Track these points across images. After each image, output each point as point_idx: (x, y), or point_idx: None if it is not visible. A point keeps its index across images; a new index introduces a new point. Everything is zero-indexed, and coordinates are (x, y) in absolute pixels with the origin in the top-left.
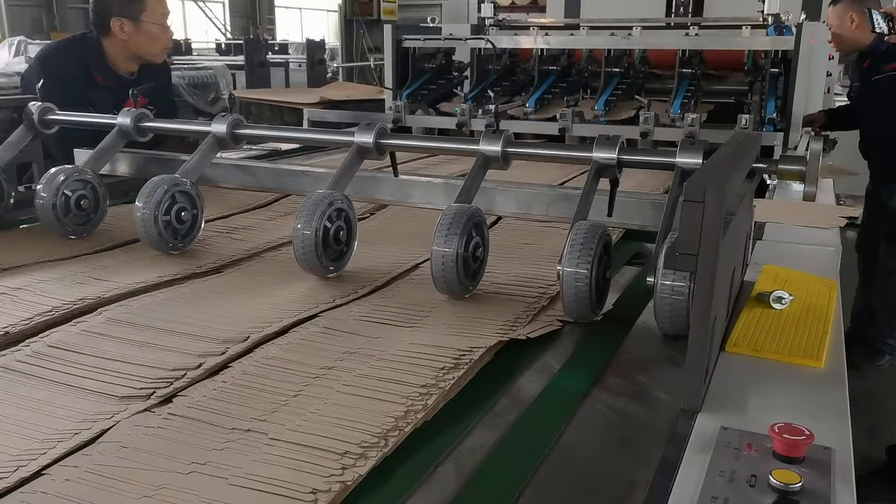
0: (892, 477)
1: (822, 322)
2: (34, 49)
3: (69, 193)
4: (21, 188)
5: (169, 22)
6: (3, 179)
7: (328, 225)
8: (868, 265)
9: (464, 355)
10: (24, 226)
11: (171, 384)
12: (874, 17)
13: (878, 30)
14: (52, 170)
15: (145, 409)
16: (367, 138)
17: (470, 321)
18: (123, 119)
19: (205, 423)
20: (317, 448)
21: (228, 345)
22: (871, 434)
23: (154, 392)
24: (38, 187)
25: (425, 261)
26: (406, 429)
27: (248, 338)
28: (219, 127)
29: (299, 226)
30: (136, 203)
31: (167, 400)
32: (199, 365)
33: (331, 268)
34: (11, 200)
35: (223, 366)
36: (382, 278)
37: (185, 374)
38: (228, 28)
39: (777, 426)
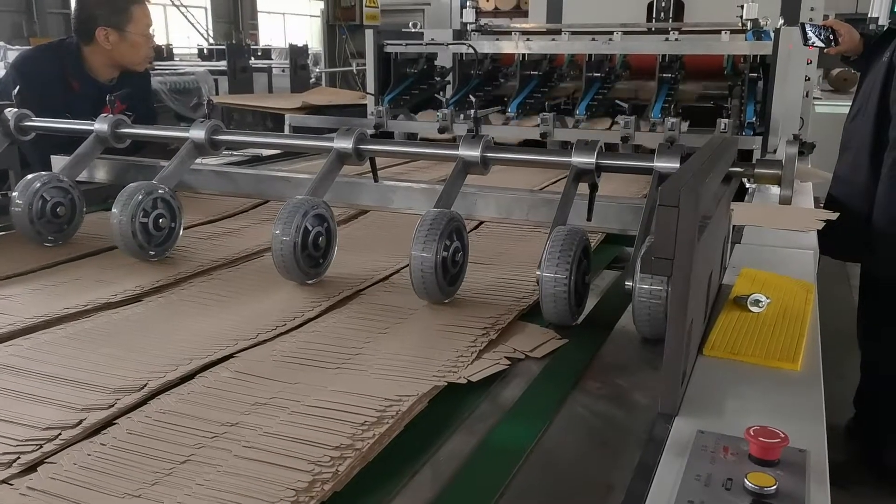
0: (860, 436)
1: (798, 325)
2: (14, 55)
3: (45, 200)
4: None
5: (152, 31)
6: None
7: (307, 230)
8: None
9: (391, 406)
10: (1, 233)
11: (41, 447)
12: (807, 31)
13: (810, 44)
14: (28, 176)
15: (2, 482)
16: (346, 144)
17: (407, 360)
18: (100, 125)
19: (66, 502)
20: None
21: (120, 395)
22: (852, 435)
23: (18, 458)
24: (14, 195)
25: (389, 275)
26: None
27: (144, 385)
28: (197, 133)
29: (278, 231)
30: (113, 210)
31: (32, 468)
32: (79, 422)
33: (310, 273)
34: None
35: (108, 422)
36: (331, 300)
37: (60, 433)
38: (211, 33)
39: (752, 429)
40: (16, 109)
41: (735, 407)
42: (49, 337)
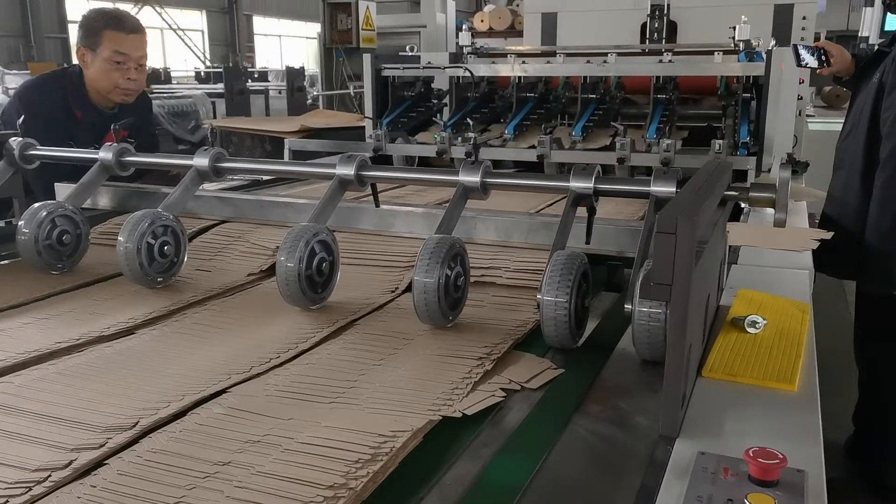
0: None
1: (795, 345)
2: (11, 79)
3: (51, 229)
4: (1, 223)
5: (149, 66)
6: None
7: (311, 257)
8: None
9: (385, 442)
10: (5, 262)
11: (30, 490)
12: (799, 52)
13: (803, 65)
14: (34, 205)
15: None
16: (348, 171)
17: (402, 393)
18: (105, 154)
19: None
20: None
21: (111, 434)
22: (850, 452)
23: (6, 502)
24: (20, 223)
25: (384, 304)
26: None
27: (136, 423)
28: (201, 161)
29: (283, 258)
30: (119, 238)
31: None
32: (69, 463)
33: (314, 299)
34: None
35: (99, 462)
36: (325, 330)
37: (50, 475)
38: (208, 56)
39: (752, 450)
40: (20, 138)
41: (734, 428)
42: (40, 373)
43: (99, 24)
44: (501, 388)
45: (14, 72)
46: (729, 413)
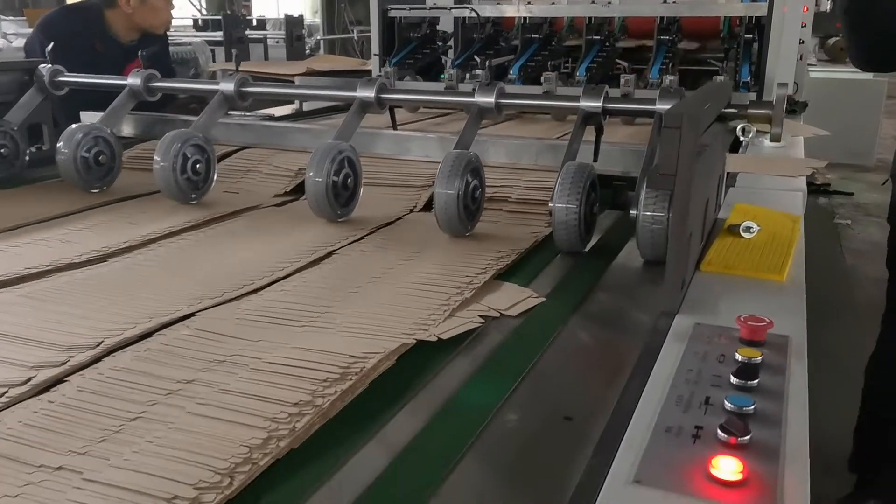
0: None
1: (786, 246)
2: (8, 25)
3: (90, 148)
4: (32, 148)
5: None
6: (18, 138)
7: (338, 171)
8: None
9: (355, 363)
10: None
11: None
12: None
13: None
14: (72, 126)
15: None
16: (368, 93)
17: (377, 318)
18: (134, 80)
19: (6, 460)
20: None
21: (73, 353)
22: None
23: None
24: (59, 144)
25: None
26: (261, 462)
27: (100, 343)
28: (227, 85)
29: (311, 174)
30: (155, 157)
31: None
32: (28, 380)
33: (339, 212)
34: (27, 158)
35: (59, 380)
36: (302, 261)
37: (7, 391)
38: (203, 4)
39: (742, 317)
40: (50, 66)
41: (728, 307)
42: (4, 297)
43: None
44: (480, 315)
45: (10, 18)
46: (723, 297)
